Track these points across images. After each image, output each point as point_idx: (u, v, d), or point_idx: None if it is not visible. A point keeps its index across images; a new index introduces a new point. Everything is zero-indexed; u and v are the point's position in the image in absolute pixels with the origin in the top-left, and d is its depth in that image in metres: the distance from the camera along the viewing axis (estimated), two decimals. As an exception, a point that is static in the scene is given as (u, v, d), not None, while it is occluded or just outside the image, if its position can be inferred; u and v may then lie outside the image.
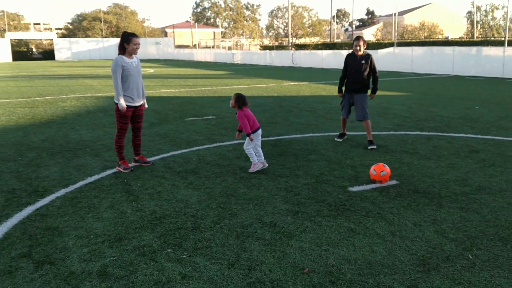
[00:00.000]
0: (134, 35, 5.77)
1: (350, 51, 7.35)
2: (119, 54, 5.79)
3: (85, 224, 4.18)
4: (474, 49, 23.96)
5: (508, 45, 23.57)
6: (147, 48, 63.20)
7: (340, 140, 7.53)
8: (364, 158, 6.42)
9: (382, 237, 3.82)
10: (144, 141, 7.59)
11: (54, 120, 10.31)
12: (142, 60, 43.21)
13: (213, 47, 61.99)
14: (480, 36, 49.34)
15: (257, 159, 5.86)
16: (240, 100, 5.71)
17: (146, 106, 6.12)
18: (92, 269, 3.35)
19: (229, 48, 57.22)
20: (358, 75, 7.09)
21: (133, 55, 5.83)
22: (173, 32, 72.28)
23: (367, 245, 3.68)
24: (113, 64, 5.68)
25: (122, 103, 5.67)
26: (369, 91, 7.33)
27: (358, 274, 3.23)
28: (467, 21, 59.95)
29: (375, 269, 3.30)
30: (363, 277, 3.19)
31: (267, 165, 5.95)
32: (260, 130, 5.91)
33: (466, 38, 38.63)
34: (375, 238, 3.82)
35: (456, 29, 62.16)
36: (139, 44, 5.76)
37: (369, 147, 6.94)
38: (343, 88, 7.49)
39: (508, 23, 26.25)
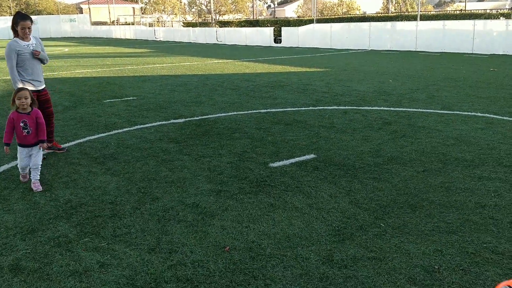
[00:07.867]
0: (24, 17, 5.29)
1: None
2: (14, 36, 5.40)
3: (-7, 219, 3.92)
4: (389, 24, 25.09)
5: (420, 19, 24.90)
6: (61, 26, 59.34)
7: None
8: (285, 134, 6.57)
9: (300, 210, 3.96)
10: (57, 126, 7.19)
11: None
12: (55, 39, 40.49)
13: (133, 23, 59.48)
14: (395, 11, 51.62)
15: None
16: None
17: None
18: (3, 263, 3.18)
19: (150, 25, 55.24)
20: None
21: (30, 37, 5.42)
22: (89, 8, 68.36)
23: (286, 219, 3.80)
24: (6, 50, 5.30)
25: None
26: None
27: (277, 248, 3.33)
28: (383, -4, 62.29)
29: (293, 242, 3.42)
30: (282, 250, 3.30)
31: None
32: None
33: (382, 13, 40.24)
34: (293, 211, 3.94)
35: (373, 5, 64.52)
36: (28, 29, 5.28)
37: None
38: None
39: (419, -1, 27.68)
